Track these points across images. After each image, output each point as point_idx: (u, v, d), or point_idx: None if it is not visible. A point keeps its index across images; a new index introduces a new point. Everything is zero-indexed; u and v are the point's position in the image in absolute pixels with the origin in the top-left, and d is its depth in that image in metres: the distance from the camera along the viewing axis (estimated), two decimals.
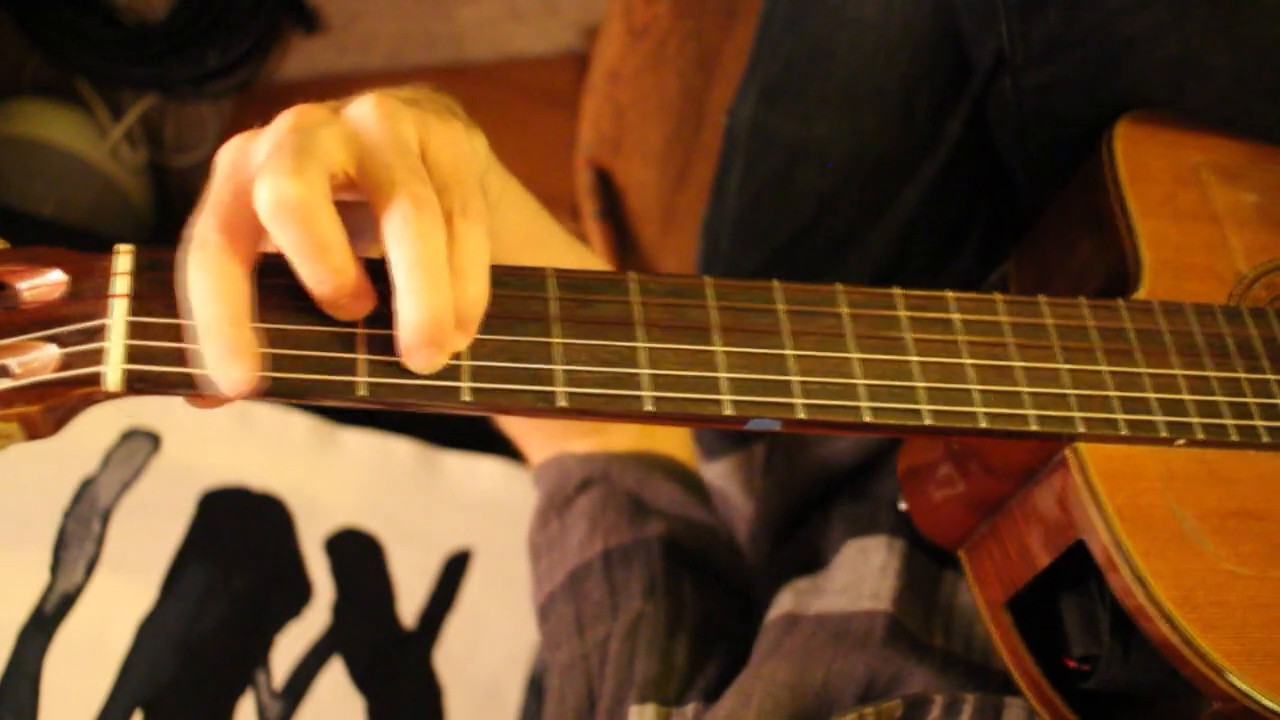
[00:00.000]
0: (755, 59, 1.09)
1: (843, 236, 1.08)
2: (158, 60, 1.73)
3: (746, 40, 1.10)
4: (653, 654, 0.86)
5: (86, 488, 1.11)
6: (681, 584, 0.90)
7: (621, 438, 0.97)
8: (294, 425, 1.20)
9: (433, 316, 0.55)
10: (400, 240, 0.54)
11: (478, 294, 0.57)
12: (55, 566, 1.06)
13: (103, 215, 1.70)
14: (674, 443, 1.01)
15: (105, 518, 1.09)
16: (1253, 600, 0.64)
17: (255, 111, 1.78)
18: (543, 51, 1.83)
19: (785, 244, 1.09)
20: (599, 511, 0.93)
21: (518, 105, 1.76)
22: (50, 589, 1.05)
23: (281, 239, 0.54)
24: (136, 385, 0.54)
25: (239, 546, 1.13)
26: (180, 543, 1.10)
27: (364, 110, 0.57)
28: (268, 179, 0.53)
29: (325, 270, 0.54)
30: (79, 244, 1.49)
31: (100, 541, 1.08)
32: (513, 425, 1.01)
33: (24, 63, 1.77)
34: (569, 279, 0.62)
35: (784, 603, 0.90)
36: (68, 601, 1.04)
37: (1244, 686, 0.62)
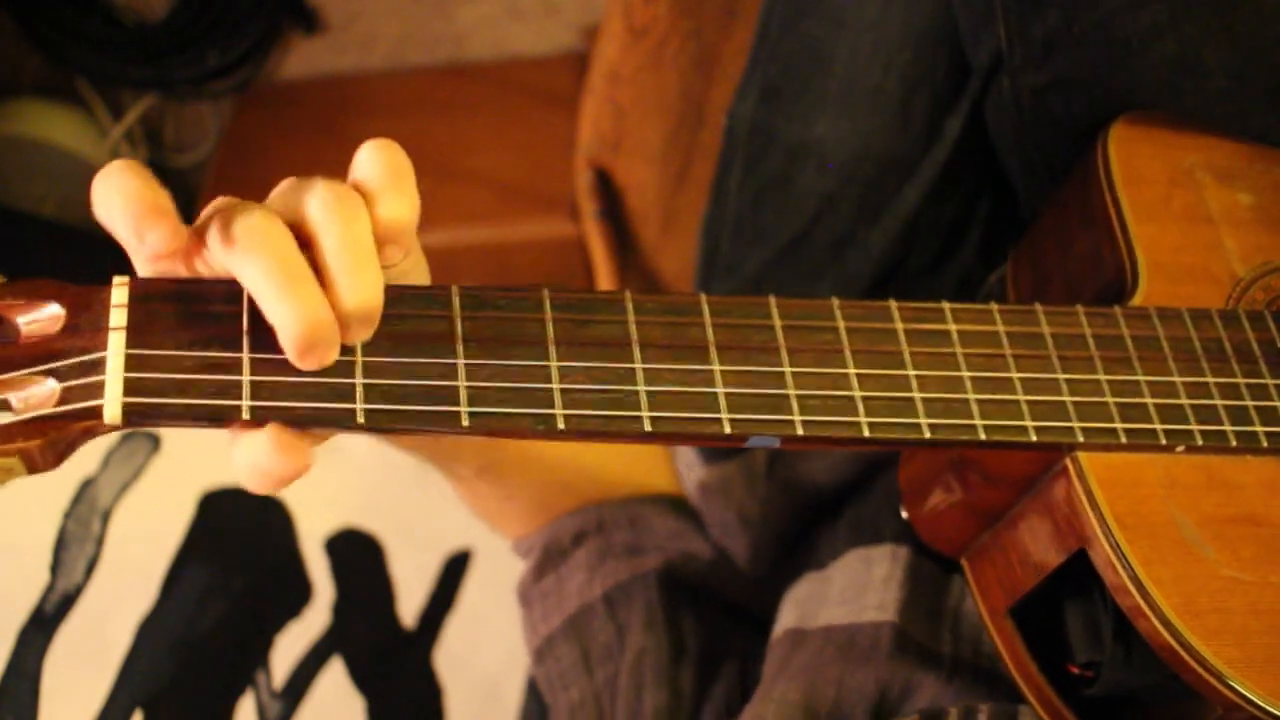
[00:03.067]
0: (755, 59, 1.09)
1: (842, 236, 1.08)
2: (158, 60, 1.73)
3: (746, 40, 1.10)
4: (660, 685, 0.86)
5: (86, 488, 1.11)
6: (680, 612, 0.90)
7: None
8: None
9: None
10: (320, 225, 0.54)
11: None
12: (55, 566, 1.06)
13: None
14: (663, 480, 1.01)
15: (105, 518, 1.10)
16: (1254, 606, 0.64)
17: (255, 111, 1.79)
18: (543, 51, 1.83)
19: (785, 244, 1.09)
20: (597, 562, 0.92)
21: (518, 105, 1.76)
22: (50, 589, 1.05)
23: (253, 273, 0.53)
24: (136, 418, 0.53)
25: (239, 546, 1.13)
26: (180, 543, 1.10)
27: None
28: (234, 219, 0.53)
29: (300, 302, 0.53)
30: (79, 244, 1.48)
31: (100, 541, 1.08)
32: (488, 504, 0.98)
33: (24, 63, 1.77)
34: (564, 300, 0.61)
35: (787, 618, 0.90)
36: (68, 601, 1.05)
37: (1247, 693, 0.62)
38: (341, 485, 1.20)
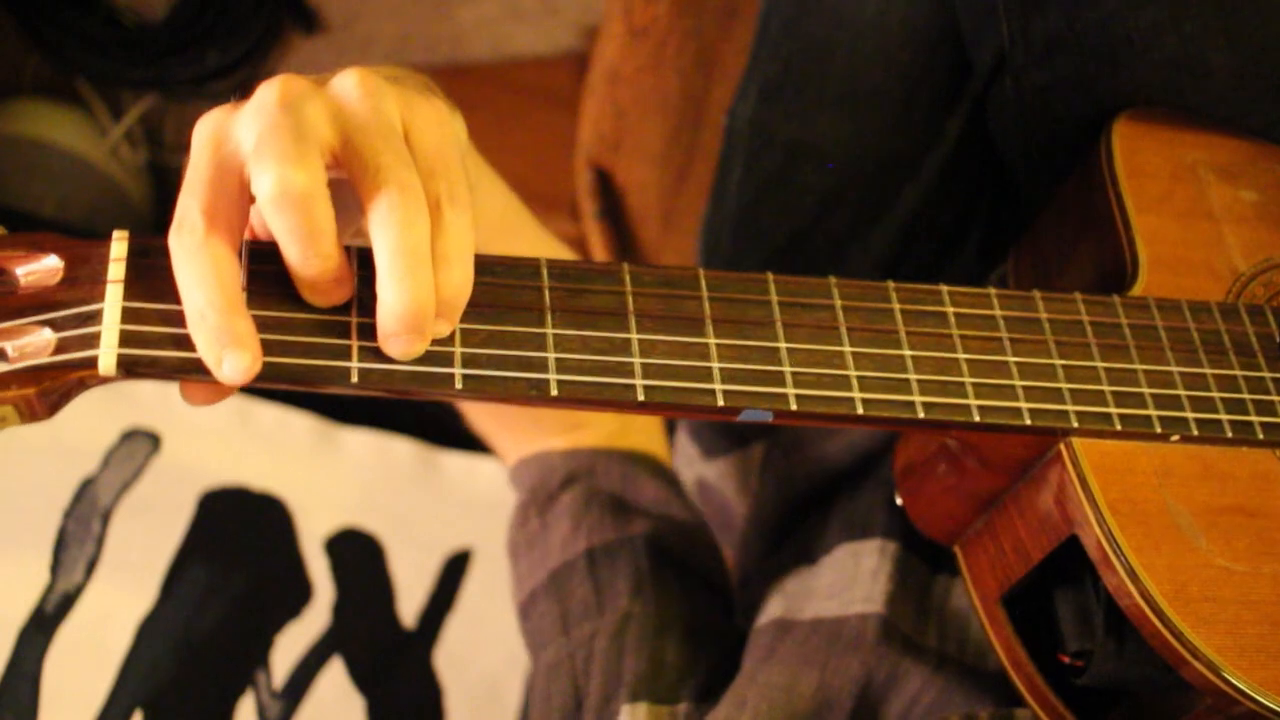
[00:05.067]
0: (755, 59, 1.09)
1: (843, 236, 1.08)
2: (158, 60, 1.73)
3: (746, 40, 1.10)
4: (642, 652, 0.86)
5: (86, 488, 1.11)
6: (668, 583, 0.90)
7: (596, 434, 0.97)
8: (294, 425, 1.20)
9: (413, 303, 0.55)
10: (385, 227, 0.54)
11: (462, 281, 0.57)
12: (55, 566, 1.06)
13: (103, 215, 1.70)
14: (650, 438, 1.01)
15: (105, 518, 1.10)
16: (1246, 596, 0.64)
17: None
18: (543, 51, 1.83)
19: (785, 244, 1.09)
20: (582, 510, 0.92)
21: (518, 105, 1.77)
22: (50, 589, 1.05)
23: (279, 225, 0.54)
24: (130, 369, 0.54)
25: (239, 546, 1.13)
26: (180, 543, 1.10)
27: (348, 86, 0.57)
28: (272, 166, 0.53)
29: (315, 256, 0.55)
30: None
31: (100, 541, 1.08)
32: (484, 422, 1.00)
33: (24, 63, 1.77)
34: (561, 269, 0.62)
35: (774, 608, 0.89)
36: (68, 601, 1.05)
37: (1237, 683, 0.62)
38: (341, 485, 1.20)
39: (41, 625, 1.03)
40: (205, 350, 0.54)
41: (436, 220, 0.56)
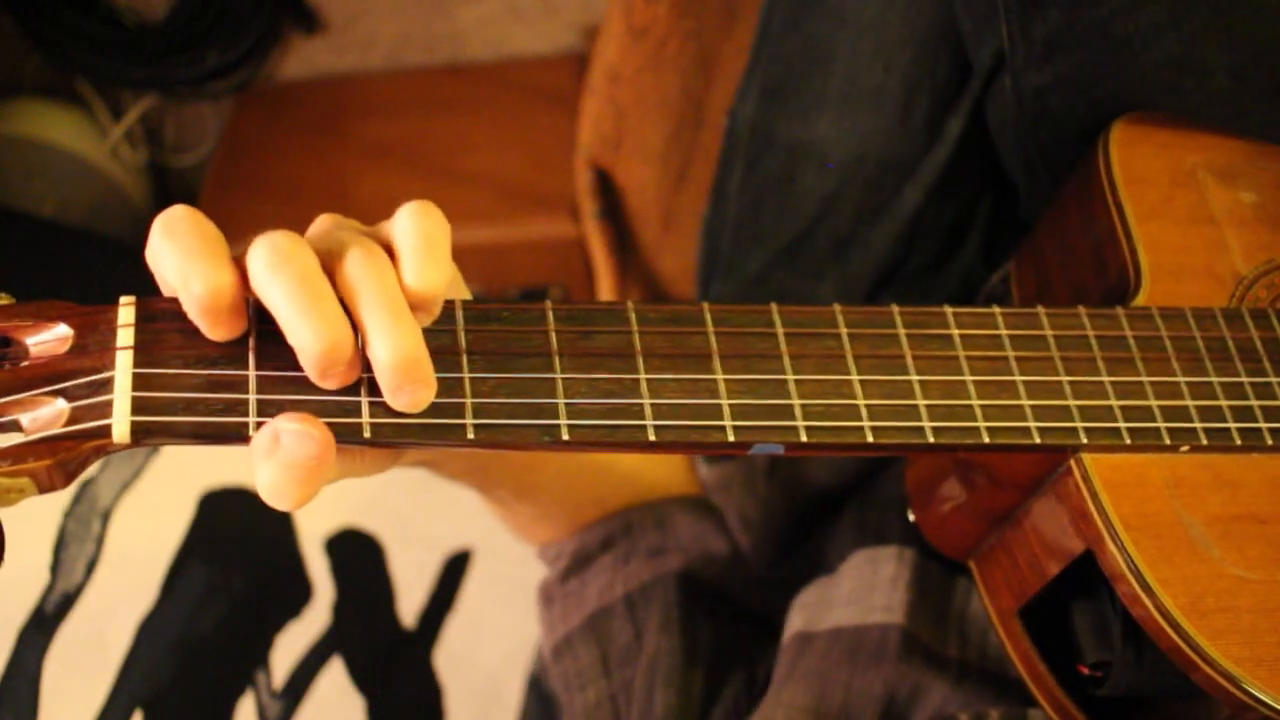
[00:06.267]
0: (755, 59, 1.09)
1: (843, 237, 1.08)
2: (158, 60, 1.73)
3: (746, 40, 1.10)
4: (671, 687, 0.86)
5: (86, 488, 1.11)
6: (696, 617, 0.91)
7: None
8: None
9: (402, 354, 0.55)
10: (356, 291, 0.55)
11: (434, 276, 0.57)
12: (55, 566, 1.06)
13: (103, 215, 1.70)
14: (689, 483, 1.01)
15: (105, 518, 1.10)
16: (1262, 604, 0.64)
17: (255, 111, 1.79)
18: (543, 51, 1.83)
19: (786, 244, 1.09)
20: (621, 564, 0.93)
21: (518, 105, 1.76)
22: (50, 589, 1.05)
23: (277, 292, 0.54)
24: (144, 436, 0.54)
25: (239, 546, 1.13)
26: (180, 543, 1.10)
27: (311, 228, 0.59)
28: (261, 241, 0.54)
29: (322, 321, 0.54)
30: (78, 244, 1.48)
31: (100, 541, 1.08)
32: (523, 521, 0.98)
33: (24, 63, 1.77)
34: (567, 312, 0.62)
35: (795, 622, 0.90)
36: (68, 601, 1.05)
37: (1256, 693, 0.61)
38: (341, 485, 1.18)
39: (41, 625, 1.03)
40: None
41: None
